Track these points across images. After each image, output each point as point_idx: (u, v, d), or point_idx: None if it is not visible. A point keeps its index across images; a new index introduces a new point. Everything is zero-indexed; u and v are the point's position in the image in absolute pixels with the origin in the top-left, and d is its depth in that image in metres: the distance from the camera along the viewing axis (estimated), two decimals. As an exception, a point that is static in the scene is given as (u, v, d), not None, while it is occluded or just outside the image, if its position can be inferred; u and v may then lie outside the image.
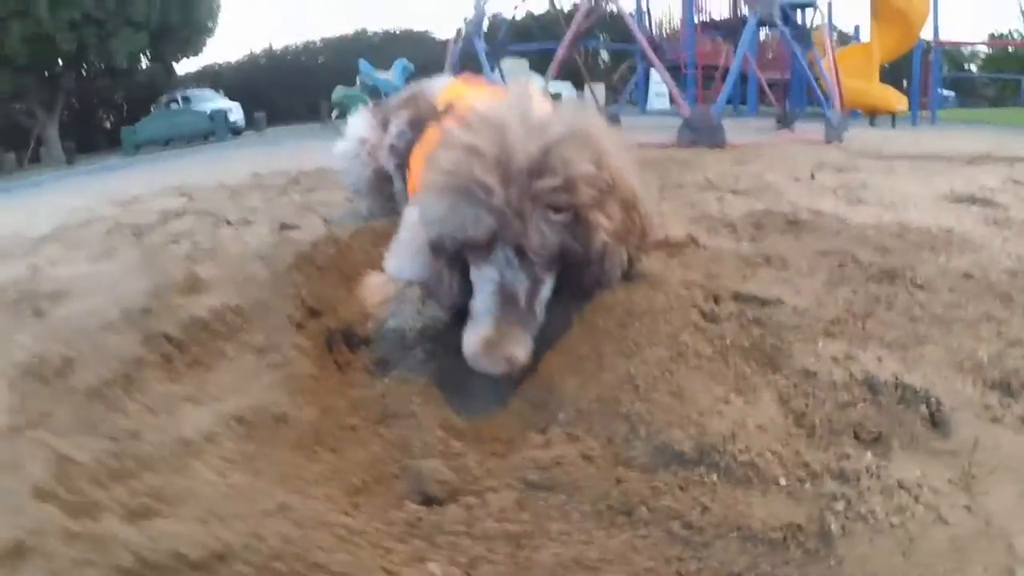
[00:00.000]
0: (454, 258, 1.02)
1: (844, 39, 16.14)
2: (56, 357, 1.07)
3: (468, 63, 6.60)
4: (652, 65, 6.54)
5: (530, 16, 19.99)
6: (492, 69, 6.57)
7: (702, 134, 4.54)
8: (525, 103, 1.03)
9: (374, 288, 1.25)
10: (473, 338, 0.93)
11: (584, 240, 0.97)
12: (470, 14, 6.33)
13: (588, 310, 1.03)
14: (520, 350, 0.92)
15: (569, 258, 0.99)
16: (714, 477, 0.67)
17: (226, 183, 4.20)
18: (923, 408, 0.77)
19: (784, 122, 7.34)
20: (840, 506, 0.62)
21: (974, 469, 0.69)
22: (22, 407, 0.96)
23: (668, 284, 1.12)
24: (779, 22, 5.65)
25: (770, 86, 11.26)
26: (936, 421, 0.76)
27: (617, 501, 0.67)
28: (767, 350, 0.93)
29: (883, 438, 0.73)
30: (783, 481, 0.66)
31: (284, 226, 2.01)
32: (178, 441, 0.77)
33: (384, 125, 1.91)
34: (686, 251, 1.42)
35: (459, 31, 6.23)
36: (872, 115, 11.28)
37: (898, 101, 10.84)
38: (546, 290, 1.00)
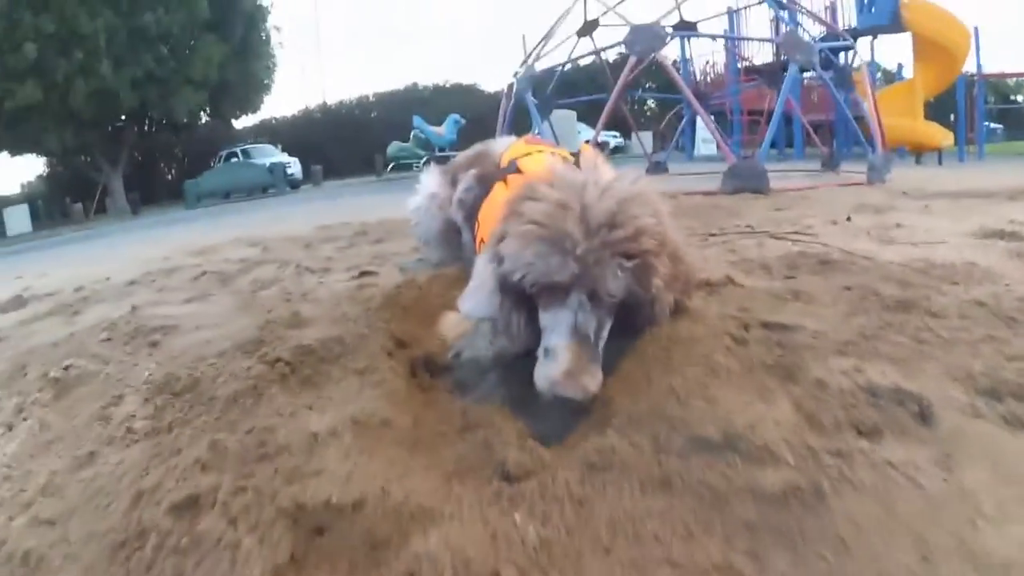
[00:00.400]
0: (522, 301, 1.21)
1: (889, 77, 16.12)
2: (184, 376, 1.30)
3: (519, 117, 6.91)
4: (697, 114, 6.72)
5: (576, 68, 20.58)
6: (542, 121, 6.87)
7: (746, 181, 4.70)
8: (595, 168, 1.24)
9: (451, 325, 1.45)
10: (552, 370, 1.07)
11: (644, 285, 1.15)
12: (518, 69, 6.64)
13: (638, 341, 1.22)
14: (593, 382, 1.07)
15: (630, 300, 1.16)
16: (736, 458, 0.84)
17: (295, 235, 4.50)
18: (915, 407, 0.93)
19: (829, 164, 7.39)
20: (834, 473, 0.80)
21: (954, 452, 0.85)
22: (163, 415, 1.19)
23: (706, 316, 1.31)
24: (819, 69, 5.79)
25: (815, 128, 11.39)
26: (925, 417, 0.92)
27: (658, 477, 0.85)
28: (787, 366, 1.10)
29: (877, 429, 0.90)
30: (791, 460, 0.83)
31: (364, 273, 2.24)
32: (307, 435, 0.98)
33: (453, 182, 2.10)
34: (724, 289, 1.60)
35: (510, 86, 6.53)
36: (918, 153, 11.29)
37: (943, 137, 10.85)
38: (606, 330, 1.17)
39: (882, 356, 1.13)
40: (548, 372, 1.08)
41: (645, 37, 5.41)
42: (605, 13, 6.36)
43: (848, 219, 2.96)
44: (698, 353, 1.13)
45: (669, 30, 5.91)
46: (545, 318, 1.16)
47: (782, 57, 12.37)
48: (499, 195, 1.59)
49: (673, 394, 1.03)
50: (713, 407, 0.97)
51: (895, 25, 11.59)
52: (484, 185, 1.86)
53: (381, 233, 3.92)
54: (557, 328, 1.12)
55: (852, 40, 7.98)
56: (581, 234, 1.09)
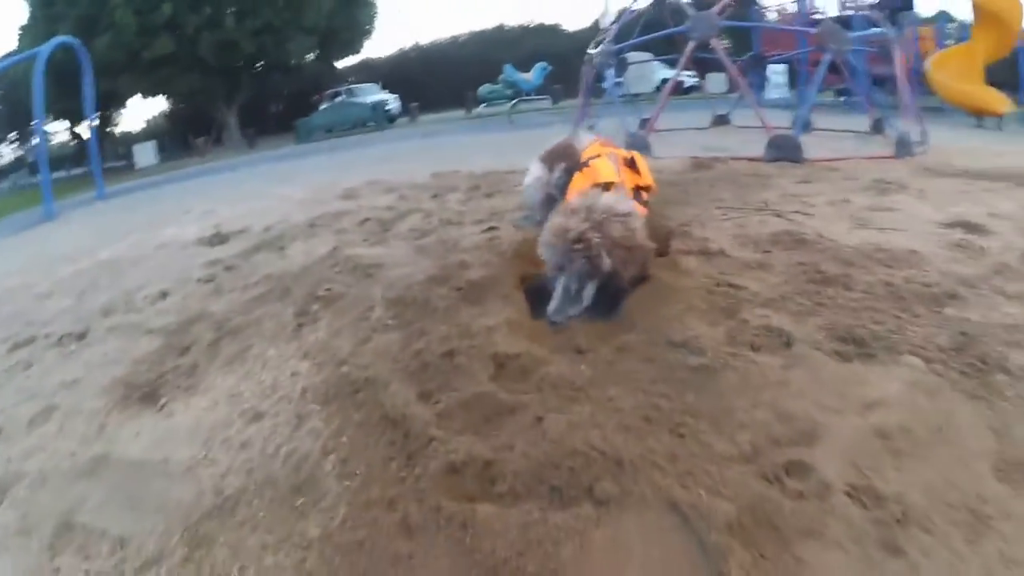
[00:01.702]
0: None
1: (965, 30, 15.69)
2: (407, 296, 2.25)
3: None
4: (744, 96, 7.27)
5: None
6: (617, 77, 7.62)
7: (784, 152, 5.33)
8: (599, 198, 2.14)
9: None
10: (550, 307, 1.96)
11: (596, 268, 1.97)
12: (593, 47, 7.31)
13: (649, 287, 2.10)
14: (560, 317, 1.95)
15: (597, 276, 1.99)
16: (685, 351, 1.70)
17: (419, 183, 5.38)
18: (785, 339, 1.76)
19: (877, 127, 7.69)
20: (727, 363, 1.69)
21: (794, 365, 1.73)
22: (403, 316, 2.13)
23: (694, 275, 2.19)
24: (851, 63, 6.14)
25: (882, 81, 11.44)
26: (789, 344, 1.74)
27: (646, 355, 1.72)
28: (730, 309, 1.96)
29: (759, 347, 1.74)
30: (709, 354, 1.70)
31: (491, 228, 3.16)
32: (485, 327, 1.90)
33: (550, 168, 2.89)
34: (715, 258, 2.45)
35: (590, 58, 7.22)
36: (979, 116, 11.26)
37: (1001, 103, 10.78)
38: (588, 291, 1.99)
39: (785, 310, 1.96)
40: (548, 307, 1.98)
41: (703, 24, 6.17)
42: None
43: (847, 200, 3.54)
44: (682, 297, 2.01)
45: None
46: (554, 283, 2.03)
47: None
48: (577, 182, 2.46)
49: (662, 318, 1.91)
50: (682, 326, 1.84)
51: None
52: (569, 173, 2.64)
53: (489, 187, 4.72)
54: (556, 288, 1.99)
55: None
56: (563, 245, 1.98)
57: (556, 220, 2.05)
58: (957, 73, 11.01)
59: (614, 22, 7.73)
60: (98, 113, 16.05)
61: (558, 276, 2.00)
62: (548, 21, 39.86)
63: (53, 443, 1.80)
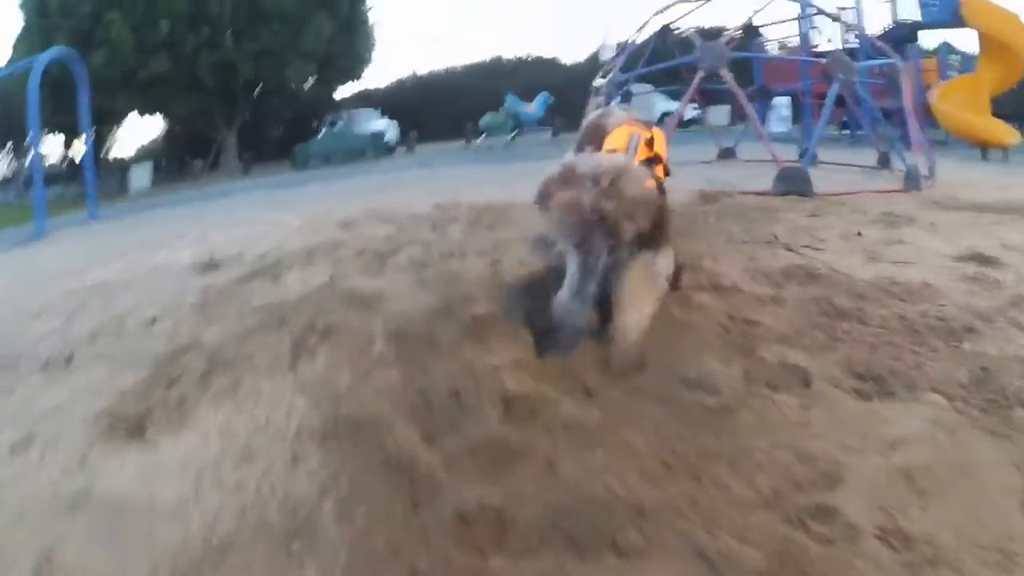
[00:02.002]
0: None
1: (967, 61, 15.92)
2: (408, 329, 2.20)
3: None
4: (755, 128, 7.29)
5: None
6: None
7: (793, 185, 5.31)
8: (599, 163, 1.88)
9: None
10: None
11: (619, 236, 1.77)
12: (599, 79, 7.35)
13: (661, 324, 2.04)
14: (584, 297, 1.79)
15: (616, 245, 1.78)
16: (699, 390, 1.67)
17: (418, 213, 5.31)
18: (802, 376, 1.73)
19: (884, 162, 7.73)
20: (743, 403, 1.64)
21: (812, 404, 1.67)
22: (403, 351, 2.08)
23: (709, 310, 2.15)
24: (861, 93, 6.23)
25: (887, 114, 11.52)
26: (807, 382, 1.71)
27: (660, 395, 1.69)
28: (746, 347, 1.92)
29: (777, 385, 1.70)
30: (725, 393, 1.65)
31: (495, 261, 3.11)
32: (491, 367, 1.85)
33: (579, 149, 2.58)
34: (728, 293, 2.41)
35: (596, 89, 7.27)
36: (984, 148, 11.33)
37: (1008, 135, 10.85)
38: (604, 260, 1.75)
39: (801, 346, 1.93)
40: (561, 293, 1.81)
41: (712, 55, 6.17)
42: (679, 31, 6.98)
43: (859, 234, 3.55)
44: (695, 334, 1.97)
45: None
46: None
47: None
48: None
49: (676, 356, 1.87)
50: (696, 365, 1.80)
51: (956, 21, 11.61)
52: None
53: (492, 219, 4.67)
54: (570, 266, 1.80)
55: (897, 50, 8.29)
56: (578, 218, 1.75)
57: (563, 194, 1.81)
58: (962, 104, 11.14)
59: (618, 54, 7.76)
60: (94, 129, 16.09)
61: (572, 253, 1.81)
62: (545, 54, 40.23)
63: (34, 473, 1.73)
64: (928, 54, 15.93)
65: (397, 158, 21.22)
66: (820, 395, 1.67)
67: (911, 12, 14.10)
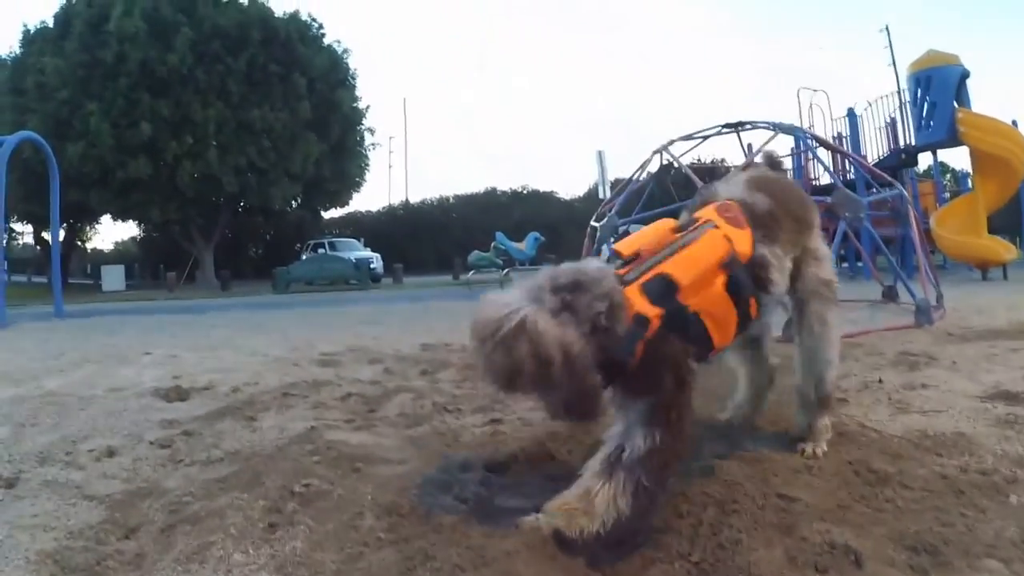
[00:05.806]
0: None
1: (957, 178, 16.37)
2: (402, 503, 2.03)
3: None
4: None
5: (650, 176, 21.75)
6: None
7: (803, 332, 5.27)
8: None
9: None
10: None
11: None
12: (596, 219, 7.52)
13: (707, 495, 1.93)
14: None
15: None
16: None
17: (406, 354, 5.25)
18: (853, 557, 1.58)
19: (889, 295, 7.79)
20: None
21: None
22: (397, 530, 1.90)
23: (743, 486, 2.00)
24: (868, 225, 6.34)
25: (887, 242, 11.68)
26: (859, 563, 1.56)
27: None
28: (787, 526, 1.77)
29: (826, 568, 1.55)
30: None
31: (493, 420, 2.99)
32: (503, 552, 1.69)
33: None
34: (758, 461, 2.27)
35: (593, 231, 7.42)
36: (984, 269, 11.54)
37: (1006, 251, 11.11)
38: None
39: (845, 522, 1.80)
40: None
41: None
42: (674, 169, 7.16)
43: (880, 381, 3.49)
44: (731, 517, 1.83)
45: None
46: None
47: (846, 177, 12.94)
48: None
49: (718, 543, 1.72)
50: (733, 549, 1.66)
51: (952, 140, 12.09)
52: None
53: None
54: None
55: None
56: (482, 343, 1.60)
57: (487, 303, 1.60)
58: (961, 227, 11.45)
59: (617, 193, 7.95)
60: (64, 225, 16.11)
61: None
62: (542, 187, 40.88)
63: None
64: (921, 177, 16.52)
65: (384, 289, 21.52)
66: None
67: (907, 135, 14.73)
